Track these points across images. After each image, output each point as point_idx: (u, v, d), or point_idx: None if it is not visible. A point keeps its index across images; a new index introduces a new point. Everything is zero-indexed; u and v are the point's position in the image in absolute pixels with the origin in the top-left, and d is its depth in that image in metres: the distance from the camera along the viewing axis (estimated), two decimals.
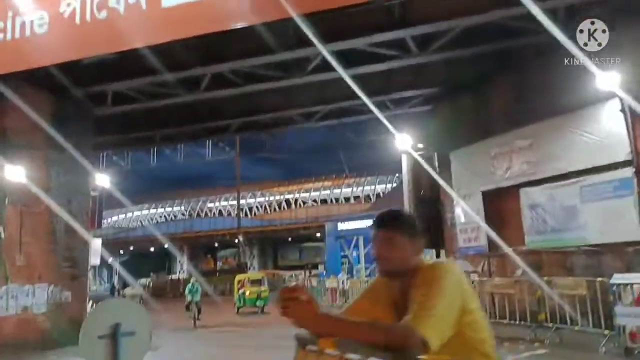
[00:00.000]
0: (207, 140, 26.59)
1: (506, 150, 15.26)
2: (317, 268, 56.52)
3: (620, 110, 12.07)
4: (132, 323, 4.50)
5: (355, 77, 16.16)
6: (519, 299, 12.69)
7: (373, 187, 55.61)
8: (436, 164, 18.98)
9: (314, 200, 60.88)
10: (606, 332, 10.28)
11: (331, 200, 58.76)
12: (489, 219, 15.75)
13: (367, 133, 24.35)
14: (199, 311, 18.61)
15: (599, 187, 12.52)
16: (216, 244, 66.67)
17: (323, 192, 59.34)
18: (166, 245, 63.80)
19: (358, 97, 17.66)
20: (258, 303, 22.98)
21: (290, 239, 62.22)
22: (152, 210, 70.40)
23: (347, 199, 58.68)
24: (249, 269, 57.94)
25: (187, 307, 18.96)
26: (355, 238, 34.16)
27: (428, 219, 18.75)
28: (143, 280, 50.15)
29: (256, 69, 15.87)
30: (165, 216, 70.31)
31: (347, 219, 34.12)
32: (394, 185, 50.96)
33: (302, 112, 20.27)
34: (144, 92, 17.30)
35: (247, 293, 23.33)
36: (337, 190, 58.73)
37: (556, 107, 13.66)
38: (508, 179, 15.14)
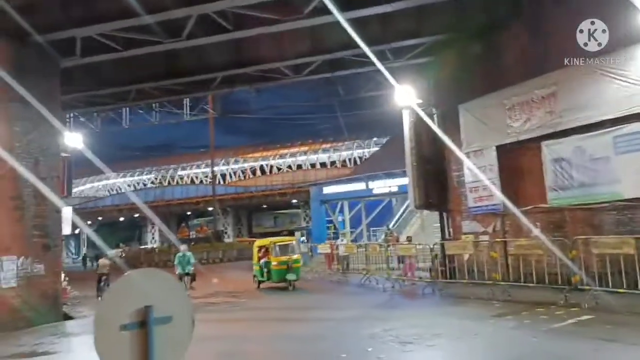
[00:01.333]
0: (185, 100, 24.52)
1: (525, 101, 13.99)
2: (294, 234, 55.50)
3: None
4: (167, 304, 3.03)
5: (353, 23, 14.62)
6: (547, 260, 11.61)
7: (351, 152, 54.29)
8: (435, 119, 17.73)
9: (289, 167, 59.39)
10: None
11: (308, 166, 57.31)
12: (504, 176, 14.60)
13: (358, 90, 22.75)
14: (193, 278, 16.38)
15: (637, 137, 11.38)
16: (188, 213, 64.80)
17: (299, 158, 57.79)
18: (136, 215, 61.82)
19: (353, 47, 16.08)
20: (289, 277, 17.12)
21: (265, 206, 60.81)
22: (121, 179, 67.74)
23: (323, 164, 57.37)
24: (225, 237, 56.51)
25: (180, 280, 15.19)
26: (340, 202, 33.03)
27: (432, 179, 17.57)
28: (114, 251, 48.02)
29: (246, 10, 14.08)
30: (134, 185, 67.80)
31: (332, 183, 32.75)
32: (374, 149, 49.83)
33: (292, 64, 18.52)
34: (118, 40, 15.30)
35: (274, 264, 17.42)
36: (313, 156, 57.25)
37: (583, 50, 12.39)
38: (527, 131, 13.91)
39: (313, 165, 57.46)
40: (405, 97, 17.17)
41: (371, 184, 29.76)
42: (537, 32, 14.00)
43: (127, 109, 24.48)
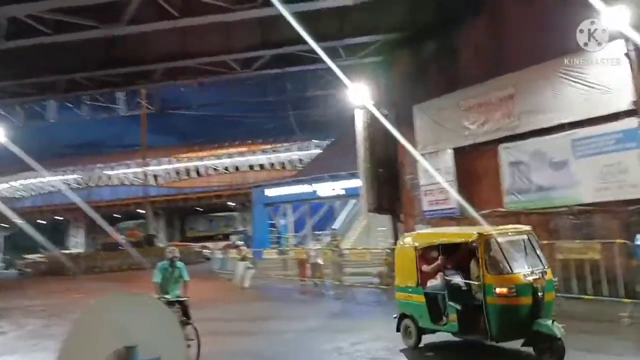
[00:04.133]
0: (119, 95, 22.83)
1: (482, 102, 13.78)
2: (229, 239, 53.89)
3: (625, 54, 10.87)
4: (154, 341, 2.15)
5: (306, 16, 13.99)
6: None
7: (290, 154, 53.53)
8: (388, 120, 17.31)
9: (226, 168, 57.85)
10: (626, 300, 9.14)
11: (246, 168, 56.05)
12: (460, 179, 14.34)
13: (305, 89, 22.07)
14: (186, 316, 7.96)
15: (596, 140, 11.33)
16: (117, 215, 61.61)
17: (237, 159, 56.37)
18: (60, 218, 58.25)
19: (306, 42, 15.45)
20: (542, 327, 6.92)
21: (200, 209, 58.89)
22: (44, 179, 63.42)
23: (261, 166, 56.30)
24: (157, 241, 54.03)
25: None
26: (283, 206, 32.20)
27: (384, 181, 17.14)
28: (33, 256, 44.72)
29: None
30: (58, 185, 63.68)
31: (275, 185, 31.84)
32: (315, 151, 49.34)
33: (240, 58, 17.59)
34: (48, 22, 13.82)
35: (499, 292, 7.00)
36: (252, 157, 56.03)
37: (542, 52, 12.32)
38: (485, 133, 13.70)
39: (251, 167, 56.28)
40: (359, 96, 16.65)
41: (316, 187, 29.13)
42: (495, 32, 13.84)
43: (54, 102, 22.55)
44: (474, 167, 14.26)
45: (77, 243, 62.77)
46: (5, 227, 58.88)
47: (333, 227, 29.71)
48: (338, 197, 30.04)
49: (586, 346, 7.51)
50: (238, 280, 18.52)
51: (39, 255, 45.88)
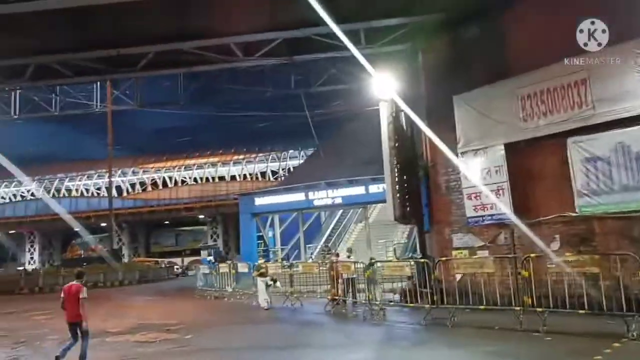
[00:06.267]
0: (96, 84, 19.85)
1: (544, 89, 11.80)
2: (199, 254, 50.59)
3: None
4: None
5: None
6: (607, 281, 9.28)
7: (266, 165, 50.93)
8: (413, 114, 15.16)
9: (195, 180, 54.73)
10: None
11: (216, 179, 53.08)
12: (514, 180, 12.28)
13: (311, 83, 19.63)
14: None
15: None
16: (76, 229, 57.33)
17: (208, 170, 53.33)
18: (11, 232, 54.05)
19: (321, 24, 13.08)
20: None
21: (167, 222, 55.46)
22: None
23: (233, 177, 53.56)
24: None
25: None
26: (270, 216, 29.58)
27: (409, 185, 14.94)
28: None
29: None
30: (10, 196, 59.02)
31: (265, 194, 29.18)
32: (292, 162, 46.98)
33: (243, 42, 15.17)
34: None
35: None
36: (223, 168, 53.12)
37: (620, 29, 10.46)
38: (547, 126, 11.70)
39: (222, 178, 53.38)
40: (384, 88, 14.49)
41: (311, 195, 26.63)
42: (557, 9, 11.96)
43: (16, 95, 19.33)
44: (532, 165, 12.21)
45: (32, 259, 58.38)
46: None
47: (324, 240, 27.42)
48: (335, 205, 27.63)
49: None
50: (262, 300, 15.42)
51: None
